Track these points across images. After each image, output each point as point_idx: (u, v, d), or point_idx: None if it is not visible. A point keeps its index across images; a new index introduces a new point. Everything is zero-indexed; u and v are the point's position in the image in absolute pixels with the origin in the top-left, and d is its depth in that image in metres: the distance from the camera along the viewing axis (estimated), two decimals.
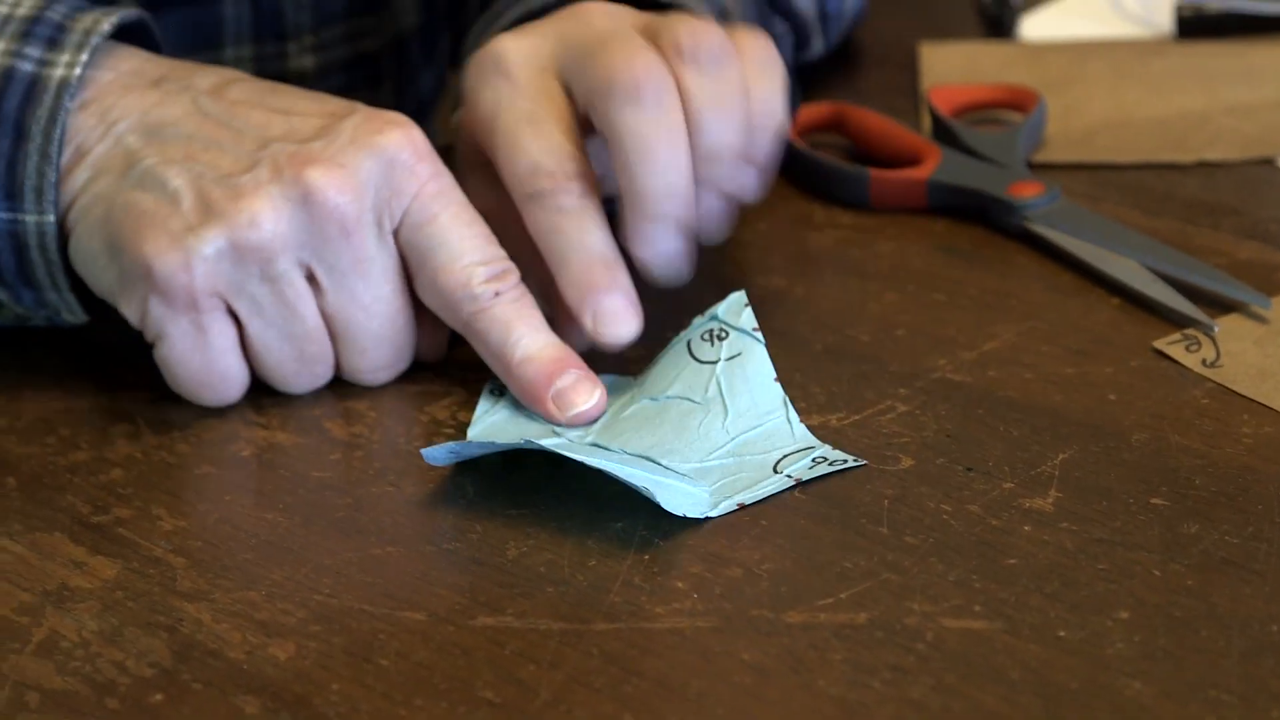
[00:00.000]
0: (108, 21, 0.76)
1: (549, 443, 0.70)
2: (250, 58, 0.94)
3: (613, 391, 0.75)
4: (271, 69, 0.95)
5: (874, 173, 0.90)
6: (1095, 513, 0.68)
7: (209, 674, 0.62)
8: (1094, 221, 0.85)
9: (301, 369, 0.75)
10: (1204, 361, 0.76)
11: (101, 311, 0.77)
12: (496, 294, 0.74)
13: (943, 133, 0.94)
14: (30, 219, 0.74)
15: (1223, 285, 0.80)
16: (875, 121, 0.95)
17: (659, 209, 0.74)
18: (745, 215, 0.92)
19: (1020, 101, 0.96)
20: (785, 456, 0.71)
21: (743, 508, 0.69)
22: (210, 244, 0.72)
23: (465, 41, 0.89)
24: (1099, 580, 0.64)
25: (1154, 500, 0.68)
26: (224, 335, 0.74)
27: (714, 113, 0.74)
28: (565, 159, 0.74)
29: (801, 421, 0.72)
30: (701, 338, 0.73)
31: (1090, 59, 1.04)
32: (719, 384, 0.72)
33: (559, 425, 0.73)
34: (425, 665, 0.62)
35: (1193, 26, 1.06)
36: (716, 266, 0.86)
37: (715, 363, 0.73)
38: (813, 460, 0.71)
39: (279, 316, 0.74)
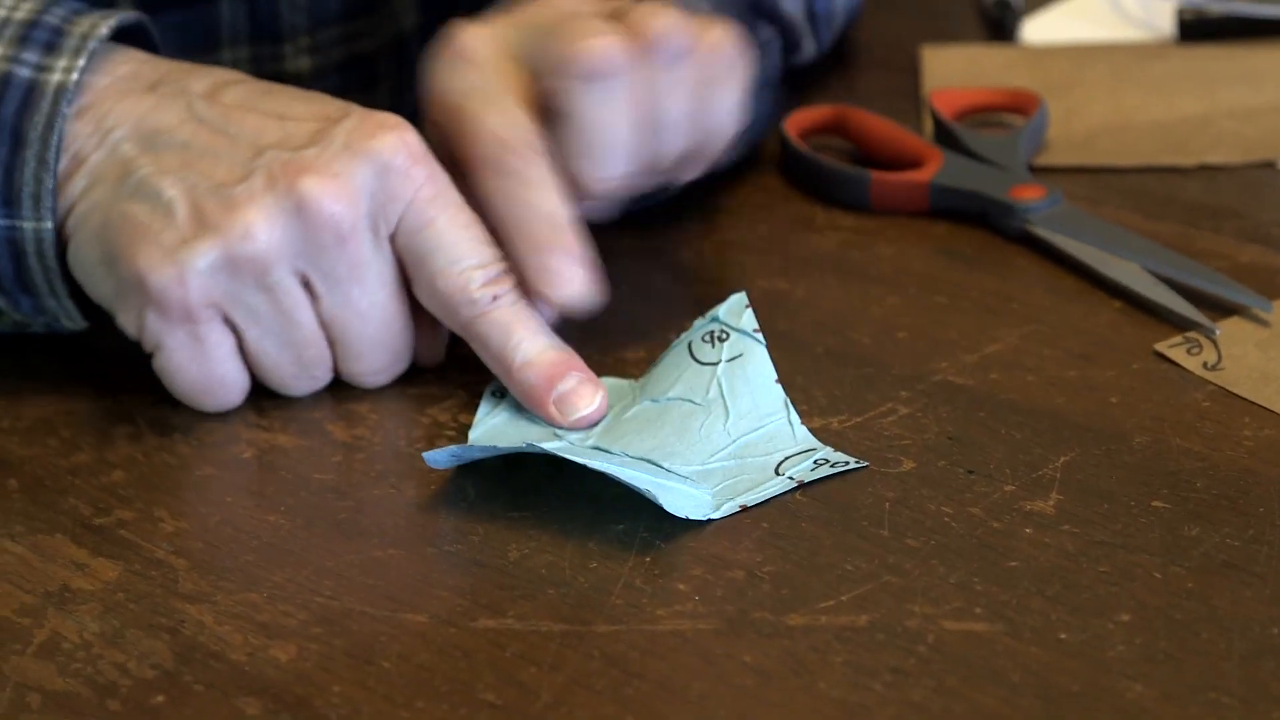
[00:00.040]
0: (105, 25, 0.76)
1: (551, 446, 0.70)
2: (247, 59, 0.94)
3: (614, 393, 0.75)
4: (268, 70, 0.94)
5: (875, 175, 0.90)
6: (1096, 515, 0.68)
7: (210, 676, 0.62)
8: (1095, 225, 0.86)
9: (300, 373, 0.75)
10: (1205, 364, 0.76)
11: (100, 318, 0.77)
12: (495, 298, 0.74)
13: (944, 136, 0.94)
14: (28, 226, 0.74)
15: (1224, 289, 0.80)
16: (876, 124, 0.95)
17: (597, 187, 0.75)
18: (746, 218, 0.92)
19: (1021, 105, 0.96)
20: (787, 458, 0.71)
21: (745, 509, 0.69)
22: (204, 257, 0.72)
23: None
24: (1100, 583, 0.64)
25: (1155, 503, 0.68)
26: (221, 344, 0.74)
27: (667, 113, 0.76)
28: (523, 131, 0.75)
29: (802, 424, 0.73)
30: (702, 339, 0.73)
31: (1091, 62, 1.05)
32: (720, 385, 0.72)
33: (561, 428, 0.73)
34: (426, 667, 0.62)
35: (1194, 30, 1.06)
36: (717, 268, 0.86)
37: (716, 364, 0.73)
38: (814, 462, 0.71)
39: (276, 324, 0.74)
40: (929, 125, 0.96)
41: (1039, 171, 0.92)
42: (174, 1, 0.92)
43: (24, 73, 0.74)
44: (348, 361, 0.76)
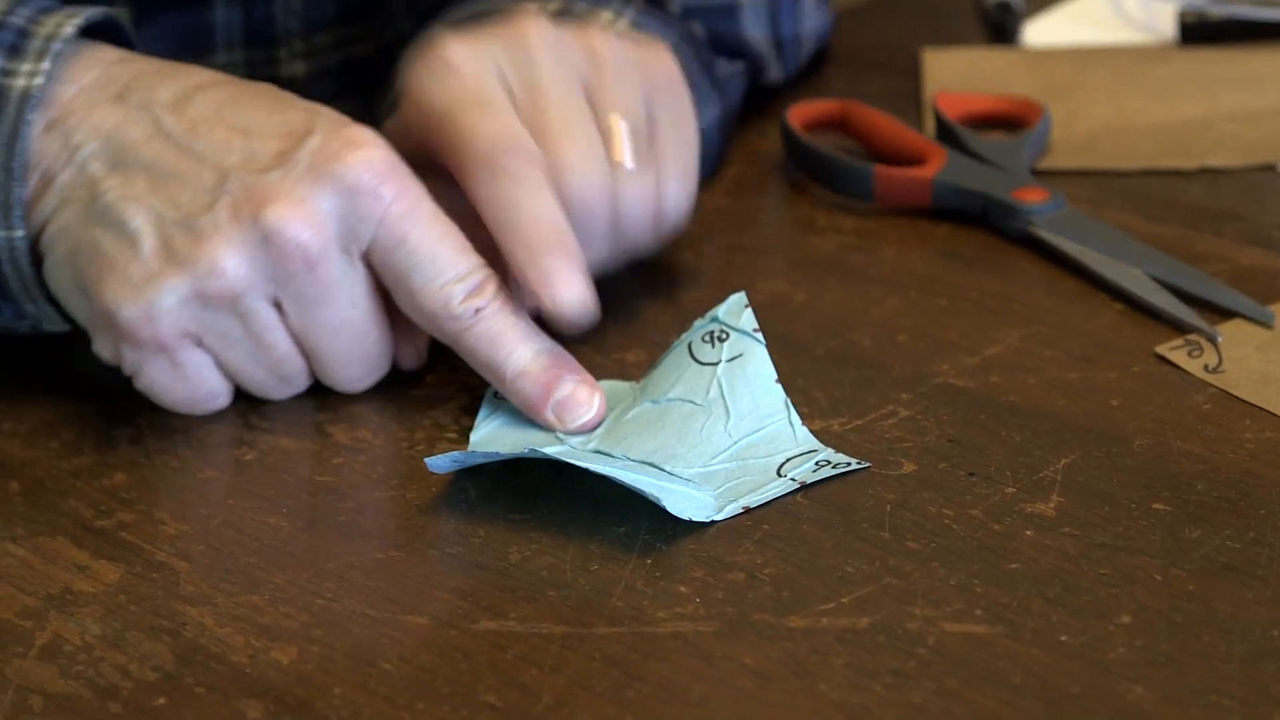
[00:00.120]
0: (71, 25, 0.75)
1: (552, 450, 0.70)
2: (241, 63, 0.94)
3: (614, 395, 0.75)
4: (262, 75, 0.94)
5: (879, 169, 0.90)
6: (1097, 518, 0.68)
7: (211, 678, 0.62)
8: (1097, 229, 0.86)
9: (279, 385, 0.76)
10: (1206, 367, 0.76)
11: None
12: (477, 311, 0.73)
13: (947, 137, 0.94)
14: None
15: (1224, 294, 0.80)
16: (880, 120, 0.95)
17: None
18: (747, 220, 0.92)
19: (1025, 114, 0.96)
20: (789, 460, 0.71)
21: (747, 511, 0.69)
22: (172, 293, 0.72)
23: (405, 55, 0.89)
24: (1101, 585, 0.64)
25: (1156, 505, 0.68)
26: (201, 365, 0.74)
27: (628, 218, 0.78)
28: (515, 135, 0.75)
29: (803, 426, 0.73)
30: (702, 339, 0.73)
31: (1093, 65, 1.05)
32: (720, 386, 0.72)
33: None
34: (427, 669, 0.62)
35: (1195, 33, 1.06)
36: (718, 270, 0.86)
37: (716, 364, 0.73)
38: (816, 463, 0.71)
39: (249, 346, 0.74)
40: (932, 128, 0.96)
41: (1040, 174, 0.92)
42: (168, 4, 0.91)
43: None
44: (323, 373, 0.76)
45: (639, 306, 0.83)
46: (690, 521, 0.68)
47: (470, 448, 0.73)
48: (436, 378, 0.78)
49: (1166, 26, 1.08)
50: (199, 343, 0.74)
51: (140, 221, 0.72)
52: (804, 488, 0.70)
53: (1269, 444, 0.71)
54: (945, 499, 0.69)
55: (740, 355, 0.73)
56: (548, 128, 0.76)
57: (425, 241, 0.73)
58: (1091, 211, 0.88)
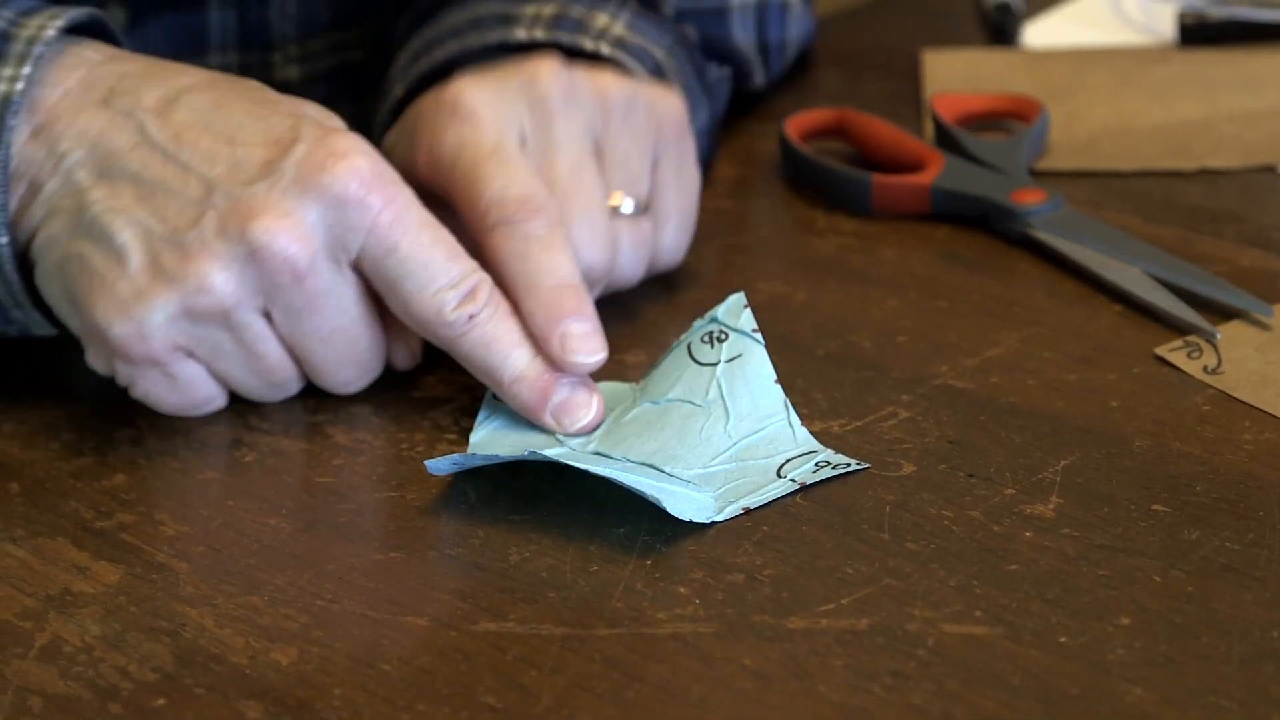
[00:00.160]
0: (53, 26, 0.74)
1: (552, 453, 0.70)
2: (236, 65, 0.94)
3: (613, 397, 0.75)
4: (256, 78, 0.94)
5: (877, 178, 0.90)
6: (1096, 519, 0.68)
7: (211, 679, 0.62)
8: (1096, 229, 0.86)
9: (271, 390, 0.76)
10: (1206, 368, 0.76)
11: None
12: (471, 317, 0.73)
13: (946, 140, 0.94)
14: None
15: (1224, 293, 0.80)
16: (878, 127, 0.95)
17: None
18: (747, 221, 0.92)
19: (1023, 111, 0.97)
20: (789, 460, 0.71)
21: (747, 512, 0.69)
22: (161, 311, 0.72)
23: (398, 60, 0.89)
24: (1100, 586, 0.64)
25: (1155, 506, 0.68)
26: (193, 375, 0.74)
27: (623, 266, 0.80)
28: (532, 189, 0.75)
29: (803, 426, 0.73)
30: (701, 340, 0.73)
31: (1092, 66, 1.05)
32: (720, 386, 0.72)
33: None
34: (427, 670, 0.62)
35: (1195, 34, 1.06)
36: (718, 272, 0.86)
37: (715, 365, 0.73)
38: (816, 464, 0.71)
39: (241, 356, 0.74)
40: (930, 129, 0.96)
41: (1040, 175, 0.92)
42: (164, 5, 0.91)
43: None
44: (316, 378, 0.76)
45: (638, 307, 0.83)
46: (690, 523, 0.68)
47: (470, 449, 0.73)
48: (436, 379, 0.78)
49: (1166, 28, 1.08)
50: (191, 355, 0.74)
51: (127, 236, 0.72)
52: (804, 489, 0.70)
53: (1268, 445, 0.71)
54: (945, 500, 0.69)
55: (739, 356, 0.73)
56: (556, 185, 0.77)
57: (416, 248, 0.73)
58: (1091, 213, 0.88)
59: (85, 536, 0.70)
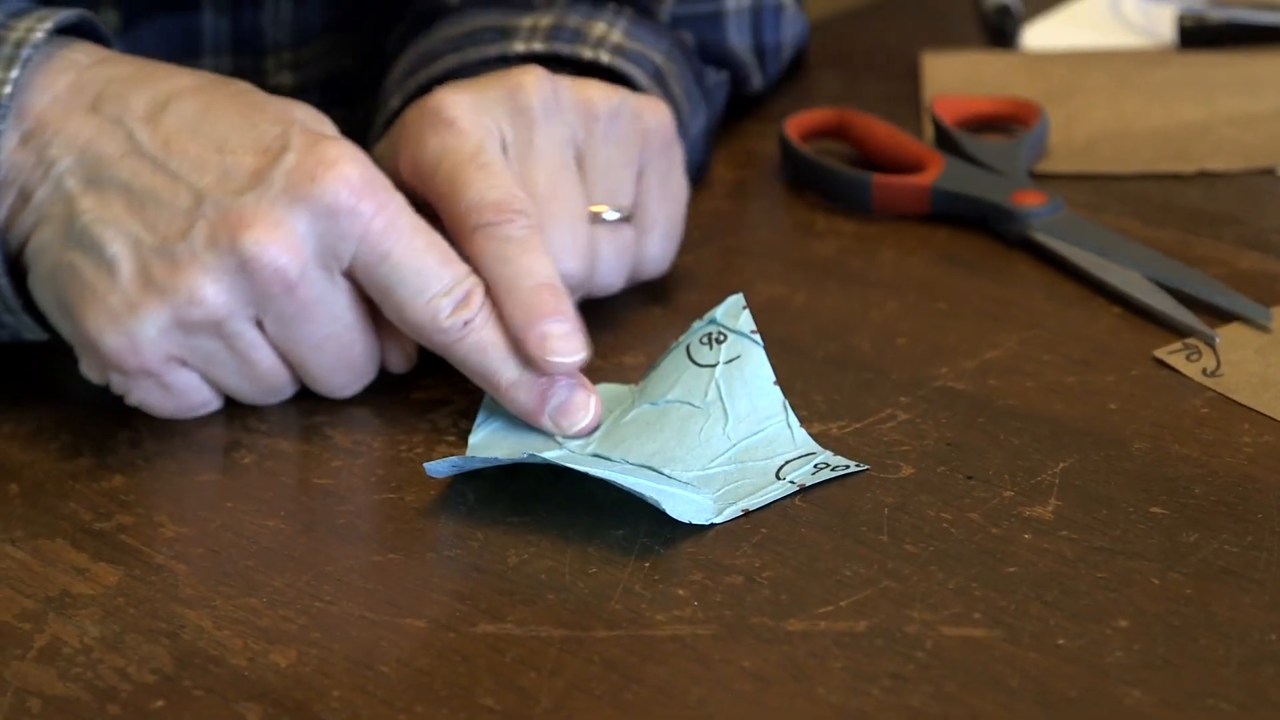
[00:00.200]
0: (41, 29, 0.74)
1: (551, 455, 0.70)
2: (229, 70, 0.93)
3: (612, 399, 0.75)
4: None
5: (877, 178, 0.90)
6: (1095, 521, 0.68)
7: (210, 680, 0.62)
8: (1096, 232, 0.86)
9: (266, 395, 0.76)
10: (1204, 370, 0.76)
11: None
12: (466, 323, 0.73)
13: (945, 142, 0.94)
14: None
15: (1223, 297, 0.80)
16: (878, 128, 0.95)
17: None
18: (746, 223, 0.92)
19: (1023, 115, 0.97)
20: (788, 462, 0.71)
21: (747, 514, 0.69)
22: (153, 323, 0.72)
23: (393, 72, 0.89)
24: (1098, 589, 0.64)
25: (1154, 509, 0.68)
26: (187, 382, 0.74)
27: (602, 274, 0.79)
28: (511, 194, 0.75)
29: (802, 428, 0.73)
30: (700, 341, 0.73)
31: (1092, 69, 1.05)
32: (718, 387, 0.72)
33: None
34: (426, 672, 0.62)
35: (1194, 37, 1.06)
36: (717, 274, 0.86)
37: (714, 366, 0.73)
38: (815, 466, 0.71)
39: (234, 364, 0.74)
40: (930, 132, 0.96)
41: (1039, 178, 0.92)
42: (157, 8, 0.91)
43: None
44: (310, 383, 0.76)
45: (637, 309, 0.83)
46: (689, 524, 0.68)
47: (468, 451, 0.73)
48: (434, 380, 0.78)
49: (1165, 30, 1.08)
50: (184, 364, 0.74)
51: (118, 248, 0.72)
52: (802, 490, 0.70)
53: (1267, 448, 0.71)
54: (944, 502, 0.69)
55: (738, 357, 0.73)
56: (535, 192, 0.77)
57: (409, 255, 0.73)
58: (1090, 215, 0.88)
59: (84, 538, 0.70)
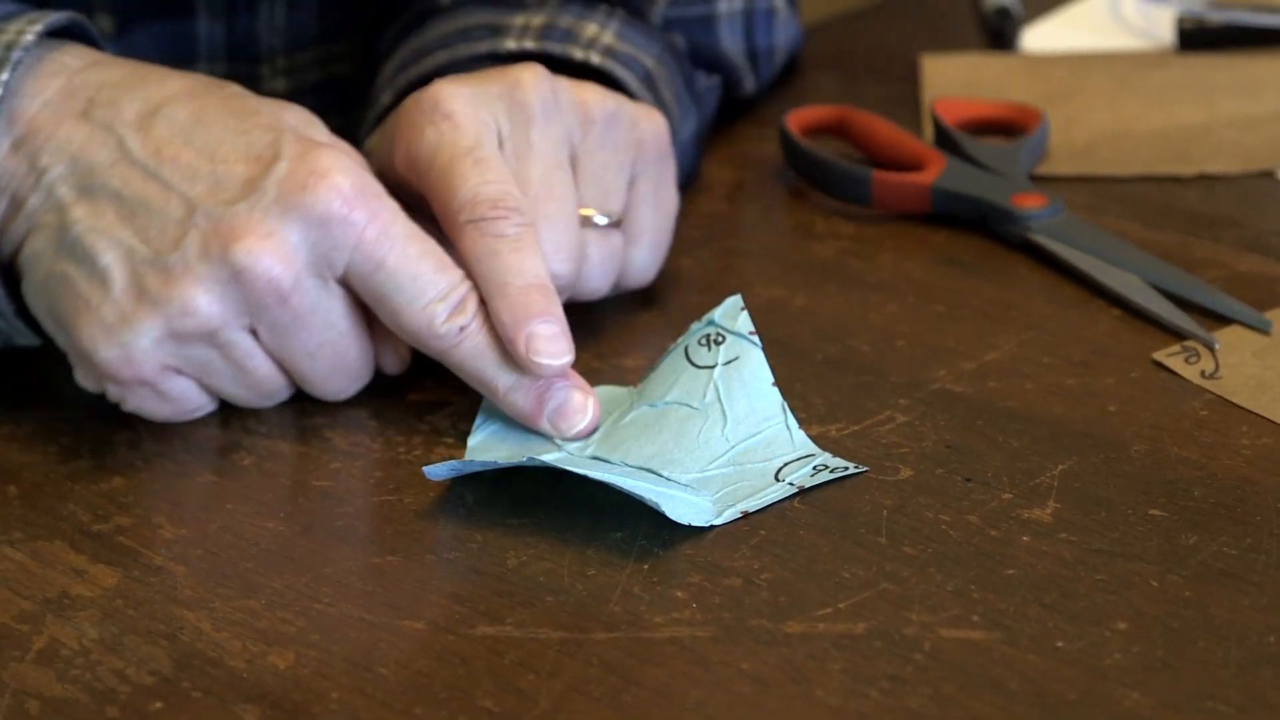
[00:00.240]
0: (31, 31, 0.74)
1: (550, 458, 0.70)
2: (224, 76, 0.93)
3: (611, 401, 0.75)
4: None
5: (876, 174, 0.90)
6: (1094, 524, 0.68)
7: (209, 682, 0.62)
8: (1096, 235, 0.86)
9: (261, 400, 0.76)
10: (1203, 373, 0.76)
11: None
12: (462, 329, 0.73)
13: (946, 143, 0.94)
14: None
15: (1223, 304, 0.80)
16: (880, 125, 0.95)
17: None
18: (745, 225, 0.92)
19: (1024, 119, 0.96)
20: (787, 464, 0.71)
21: (746, 516, 0.69)
22: (146, 335, 0.72)
23: (385, 69, 0.89)
24: (1097, 591, 0.64)
25: (1152, 511, 0.68)
26: (183, 389, 0.75)
27: (589, 278, 0.79)
28: (505, 190, 0.75)
29: (801, 430, 0.73)
30: (699, 343, 0.73)
31: (1091, 71, 1.05)
32: (717, 389, 0.72)
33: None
34: (425, 674, 0.62)
35: (1194, 39, 1.06)
36: (716, 275, 0.86)
37: (713, 368, 0.73)
38: (814, 468, 0.71)
39: (229, 372, 0.74)
40: (930, 134, 0.96)
41: (1039, 180, 0.92)
42: (152, 13, 0.91)
43: None
44: (305, 388, 0.76)
45: (635, 311, 0.83)
46: (687, 527, 0.68)
47: (467, 453, 0.73)
48: (433, 382, 0.78)
49: (1165, 33, 1.08)
50: (180, 372, 0.74)
51: (110, 258, 0.72)
52: (801, 493, 0.70)
53: (1265, 450, 0.71)
54: (942, 504, 0.69)
55: (737, 358, 0.73)
56: (528, 189, 0.76)
57: (404, 262, 0.73)
58: (1089, 218, 0.88)
59: (83, 540, 0.70)
